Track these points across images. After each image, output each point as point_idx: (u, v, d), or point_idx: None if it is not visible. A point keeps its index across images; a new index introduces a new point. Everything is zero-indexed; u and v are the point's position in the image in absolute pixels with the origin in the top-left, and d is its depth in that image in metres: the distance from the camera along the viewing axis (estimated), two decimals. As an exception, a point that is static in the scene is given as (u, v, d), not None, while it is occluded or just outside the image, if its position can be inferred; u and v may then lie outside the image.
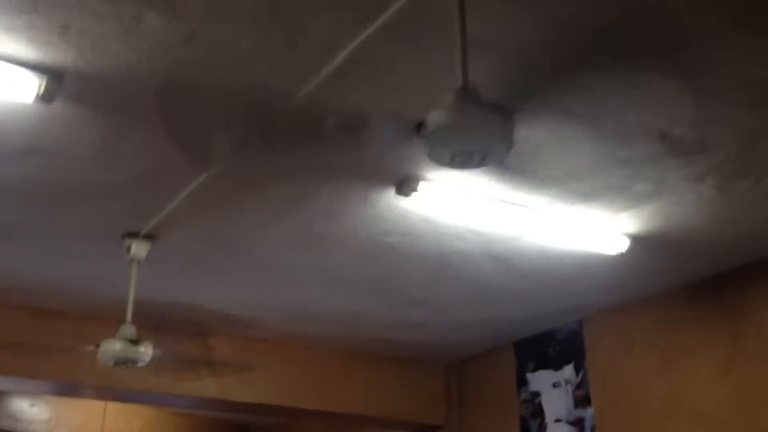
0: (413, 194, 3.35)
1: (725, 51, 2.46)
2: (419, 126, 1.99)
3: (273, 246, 4.05)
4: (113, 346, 3.82)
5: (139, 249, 3.88)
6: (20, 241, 3.98)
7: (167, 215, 3.64)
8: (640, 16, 2.30)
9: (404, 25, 2.34)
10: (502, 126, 1.95)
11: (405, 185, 3.33)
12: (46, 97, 2.57)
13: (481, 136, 1.94)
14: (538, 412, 5.47)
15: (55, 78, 2.53)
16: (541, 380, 5.50)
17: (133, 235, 3.87)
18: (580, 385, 5.18)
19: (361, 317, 5.22)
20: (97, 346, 3.88)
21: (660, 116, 2.83)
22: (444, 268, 4.32)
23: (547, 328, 5.47)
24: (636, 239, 3.89)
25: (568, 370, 5.29)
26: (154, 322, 5.05)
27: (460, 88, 1.98)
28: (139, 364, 3.92)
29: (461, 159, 1.97)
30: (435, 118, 1.92)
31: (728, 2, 2.24)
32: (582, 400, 5.14)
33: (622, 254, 4.01)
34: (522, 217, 3.61)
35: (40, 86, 2.53)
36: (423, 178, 3.31)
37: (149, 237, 3.89)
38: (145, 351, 3.88)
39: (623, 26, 2.35)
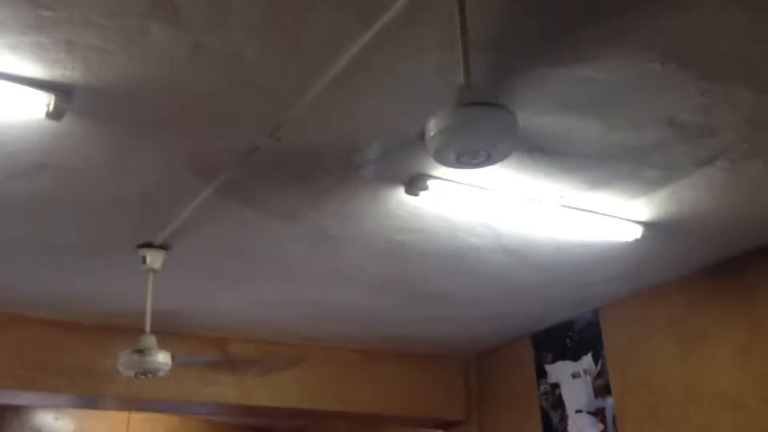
0: (422, 193, 3.36)
1: (727, 36, 2.46)
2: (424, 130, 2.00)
3: (288, 249, 4.07)
4: (133, 358, 3.85)
5: (154, 259, 3.91)
6: (35, 255, 4.02)
7: (181, 224, 3.67)
8: (636, 6, 2.30)
9: (405, 27, 2.35)
10: (506, 123, 1.95)
11: (414, 185, 3.34)
12: (55, 113, 2.60)
13: (485, 134, 1.95)
14: (559, 403, 5.47)
15: (63, 94, 2.56)
16: (560, 371, 5.50)
17: (148, 245, 3.90)
18: (599, 375, 5.18)
19: (378, 315, 5.23)
20: (117, 358, 3.91)
21: (666, 103, 2.83)
22: (458, 263, 4.33)
23: (565, 319, 5.47)
24: (649, 226, 3.88)
25: (587, 360, 5.29)
26: (173, 330, 5.09)
27: (462, 87, 1.99)
28: (160, 374, 3.95)
29: (467, 158, 1.98)
30: (438, 118, 1.93)
31: (729, -14, 2.24)
32: (602, 389, 5.14)
33: (636, 241, 4.01)
34: (534, 209, 3.62)
35: (49, 103, 2.55)
36: (432, 176, 3.32)
37: (164, 246, 3.92)
38: (165, 360, 3.91)
39: (622, 16, 2.35)
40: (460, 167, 2.07)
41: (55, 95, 2.55)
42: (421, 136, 2.04)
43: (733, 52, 2.55)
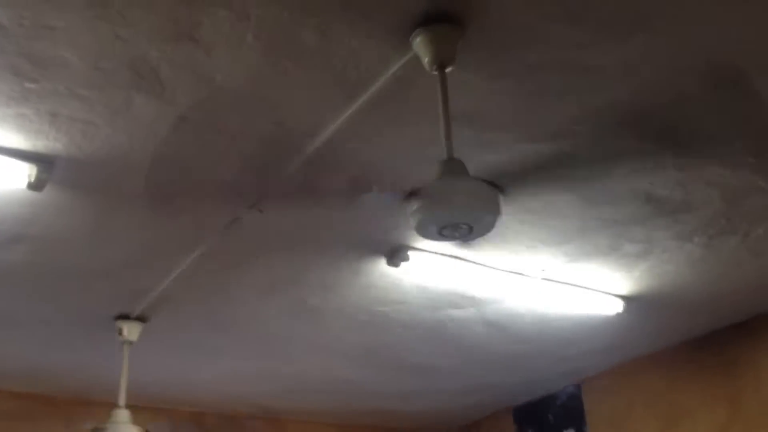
0: (403, 264, 3.36)
1: (703, 114, 2.52)
2: (409, 195, 2.01)
3: (267, 320, 4.03)
4: (105, 435, 3.75)
5: (131, 331, 3.84)
6: (8, 326, 3.94)
7: (159, 296, 3.63)
8: (615, 82, 2.36)
9: (387, 103, 2.38)
10: (488, 197, 1.97)
11: (395, 255, 3.34)
12: (36, 185, 2.59)
13: (467, 208, 1.96)
14: (541, 479, 5.37)
15: (45, 166, 2.55)
16: (542, 446, 5.42)
17: (125, 317, 3.84)
18: (582, 451, 5.10)
19: (359, 388, 5.16)
20: (90, 432, 3.81)
21: (643, 178, 2.87)
22: (439, 334, 4.30)
23: (546, 393, 5.42)
24: (630, 300, 3.89)
25: (570, 436, 5.22)
26: (147, 404, 4.98)
27: (445, 161, 2.01)
28: (132, 451, 3.84)
29: (449, 231, 1.99)
30: (420, 192, 1.94)
31: (698, 72, 2.30)
32: (585, 465, 5.06)
33: (617, 315, 4.01)
34: (514, 282, 3.62)
35: (30, 175, 2.54)
36: (413, 248, 3.32)
37: (141, 318, 3.87)
38: (136, 437, 3.81)
39: (598, 93, 2.40)
40: (442, 240, 2.07)
41: (37, 166, 2.54)
42: (407, 199, 2.04)
43: (709, 130, 2.60)
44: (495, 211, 2.00)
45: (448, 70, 2.11)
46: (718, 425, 4.29)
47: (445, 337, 4.33)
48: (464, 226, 2.00)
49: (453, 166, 2.02)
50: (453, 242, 2.11)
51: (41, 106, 2.34)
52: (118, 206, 2.90)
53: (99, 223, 3.00)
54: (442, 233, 2.00)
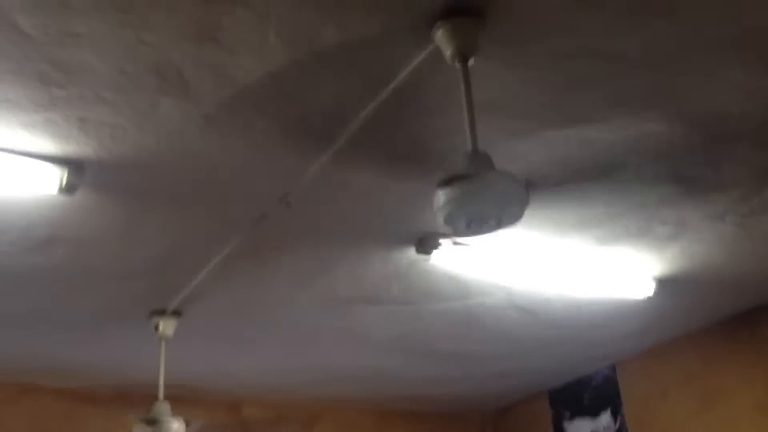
0: (434, 252, 3.37)
1: (731, 95, 2.48)
2: (441, 183, 1.99)
3: (298, 312, 4.06)
4: (146, 429, 3.81)
5: (166, 326, 3.90)
6: (48, 325, 4.02)
7: (192, 291, 3.68)
8: (640, 67, 2.33)
9: (410, 95, 2.38)
10: (515, 189, 1.96)
11: (425, 243, 3.35)
12: (68, 188, 2.63)
13: (494, 200, 1.95)
14: (578, 462, 5.38)
15: (76, 170, 2.59)
16: (578, 429, 5.42)
17: (161, 312, 3.90)
18: (618, 432, 5.09)
19: (391, 375, 5.19)
20: (132, 429, 3.87)
21: (672, 160, 2.84)
22: (471, 322, 4.31)
23: (581, 375, 5.41)
24: (662, 281, 3.86)
25: (606, 417, 5.21)
26: (186, 396, 5.05)
27: (470, 153, 2.01)
28: (174, 442, 3.90)
29: (476, 225, 1.99)
30: (447, 187, 1.94)
31: (731, 47, 2.26)
32: (621, 447, 5.05)
33: (649, 297, 3.98)
34: (546, 267, 3.61)
35: (62, 179, 2.59)
36: (443, 236, 3.32)
37: (176, 313, 3.92)
38: (179, 428, 3.87)
39: (625, 78, 2.38)
40: (470, 234, 2.07)
41: (68, 170, 2.58)
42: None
43: (737, 111, 2.57)
44: (522, 203, 2.00)
45: (470, 61, 2.09)
46: (756, 404, 4.25)
47: (476, 324, 4.34)
48: (492, 220, 2.00)
49: (478, 159, 2.01)
50: (481, 234, 2.10)
51: (69, 112, 2.37)
52: (149, 206, 2.94)
53: (130, 223, 3.04)
54: (470, 227, 2.00)
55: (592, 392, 5.35)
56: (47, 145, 2.51)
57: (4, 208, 2.85)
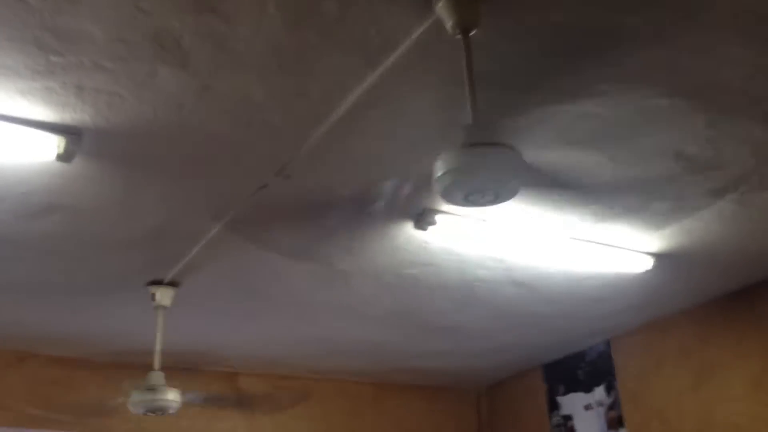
0: (430, 227, 3.36)
1: (732, 70, 2.47)
2: (440, 155, 1.98)
3: (297, 285, 4.07)
4: (143, 396, 3.84)
5: (163, 296, 3.91)
6: (45, 294, 4.03)
7: (190, 261, 3.68)
8: (640, 38, 2.31)
9: (410, 67, 2.37)
10: (513, 162, 1.95)
11: (422, 219, 3.34)
12: (65, 156, 2.62)
13: (492, 174, 1.95)
14: (572, 435, 5.42)
15: (73, 137, 2.58)
16: (572, 403, 5.46)
17: (157, 282, 3.91)
18: (612, 407, 5.13)
19: (388, 348, 5.22)
20: (127, 395, 3.90)
21: (673, 136, 2.83)
22: (468, 296, 4.32)
23: (576, 350, 5.43)
24: (660, 257, 3.86)
25: (599, 392, 5.25)
26: (182, 366, 5.08)
27: (469, 126, 2.00)
28: (170, 412, 3.93)
29: (475, 197, 1.98)
30: (445, 159, 1.93)
31: (738, 20, 2.25)
32: (615, 421, 5.09)
33: (647, 273, 3.99)
34: (543, 242, 3.61)
35: (59, 146, 2.58)
36: (440, 211, 3.32)
37: (173, 284, 3.93)
38: (174, 398, 3.89)
39: (626, 52, 2.36)
40: (468, 206, 2.07)
41: (66, 138, 2.57)
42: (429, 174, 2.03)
43: (738, 86, 2.55)
44: (520, 177, 1.99)
45: (471, 33, 2.08)
46: (752, 378, 4.28)
47: (473, 299, 4.35)
48: (491, 192, 1.99)
49: (478, 131, 2.00)
50: (479, 207, 2.10)
51: (67, 79, 2.35)
52: (146, 175, 2.93)
53: (128, 192, 3.04)
54: (468, 199, 2.00)
55: (586, 367, 5.38)
56: (45, 112, 2.49)
57: (3, 174, 2.84)
